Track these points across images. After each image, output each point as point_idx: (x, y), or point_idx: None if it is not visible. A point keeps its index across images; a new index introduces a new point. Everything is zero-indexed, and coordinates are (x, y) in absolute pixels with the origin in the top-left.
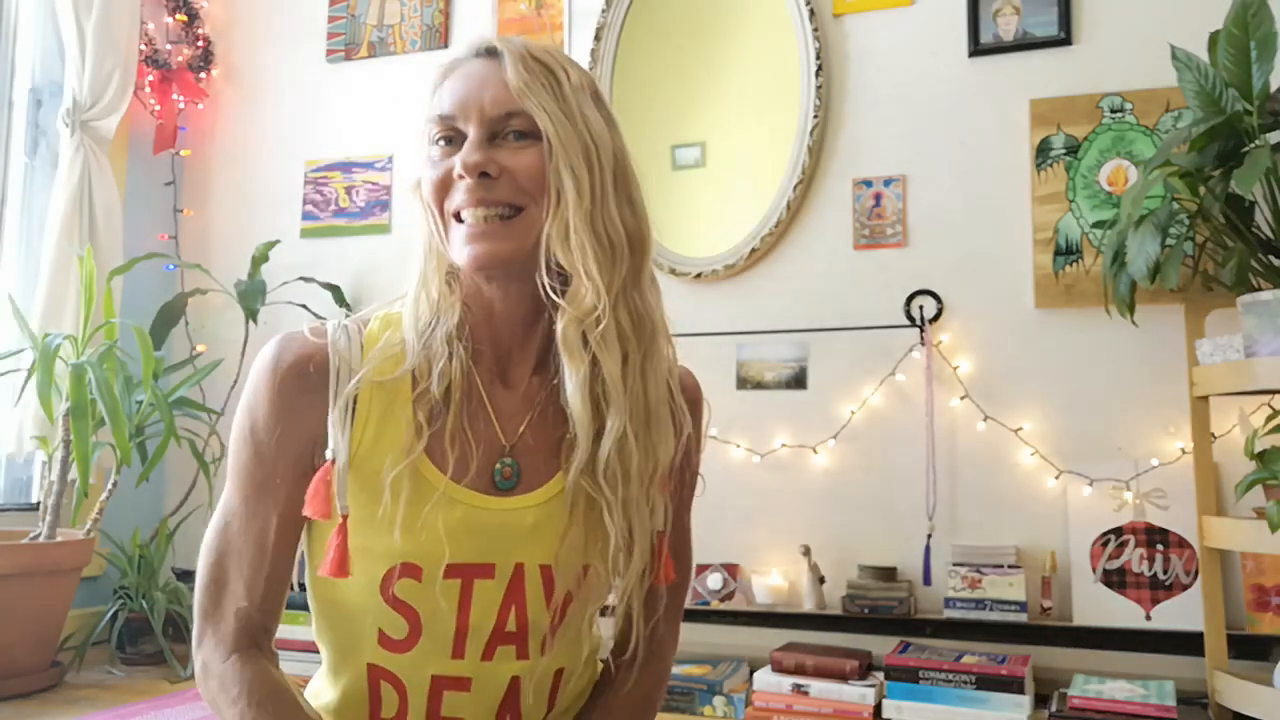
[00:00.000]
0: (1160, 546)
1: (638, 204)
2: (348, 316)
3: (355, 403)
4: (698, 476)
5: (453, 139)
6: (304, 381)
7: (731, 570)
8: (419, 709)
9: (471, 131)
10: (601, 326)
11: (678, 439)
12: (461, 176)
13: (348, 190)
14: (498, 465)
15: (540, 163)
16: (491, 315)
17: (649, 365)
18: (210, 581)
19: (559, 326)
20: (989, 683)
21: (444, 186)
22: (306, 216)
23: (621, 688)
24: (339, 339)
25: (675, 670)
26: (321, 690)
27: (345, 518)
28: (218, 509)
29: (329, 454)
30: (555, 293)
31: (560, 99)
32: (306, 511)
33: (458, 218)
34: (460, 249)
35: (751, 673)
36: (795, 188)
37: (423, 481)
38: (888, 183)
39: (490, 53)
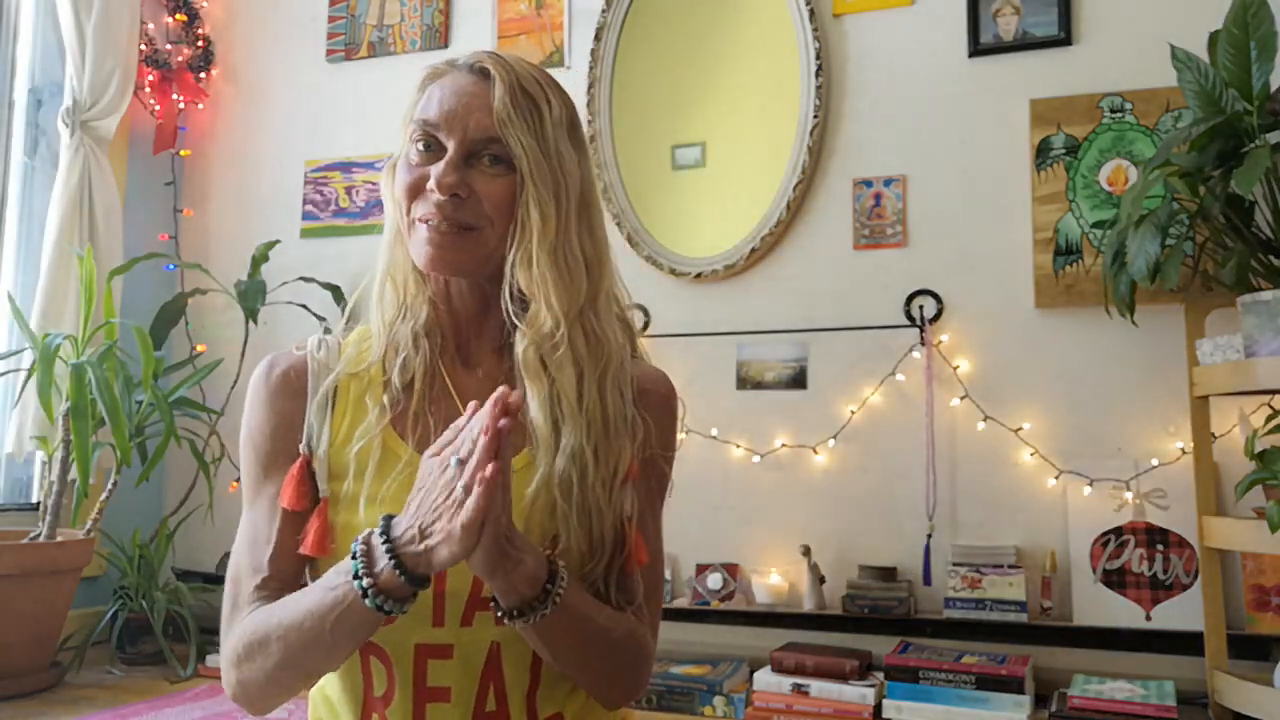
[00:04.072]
0: (1160, 546)
1: (598, 232)
2: (330, 332)
3: (335, 396)
4: (668, 479)
5: (432, 146)
6: (289, 387)
7: (731, 570)
8: (406, 680)
9: (451, 148)
10: (559, 352)
11: (633, 443)
12: (433, 190)
13: (348, 190)
14: None
15: (509, 191)
16: (451, 306)
17: (606, 381)
18: (229, 584)
19: (519, 349)
20: (989, 683)
21: (415, 191)
22: (306, 216)
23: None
24: (317, 349)
25: (675, 670)
26: (322, 683)
27: (325, 500)
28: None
29: (302, 448)
30: (517, 316)
31: (540, 135)
32: (282, 503)
33: (423, 220)
34: (419, 249)
35: (751, 673)
36: (795, 188)
37: (389, 453)
38: (888, 183)
39: (483, 72)
